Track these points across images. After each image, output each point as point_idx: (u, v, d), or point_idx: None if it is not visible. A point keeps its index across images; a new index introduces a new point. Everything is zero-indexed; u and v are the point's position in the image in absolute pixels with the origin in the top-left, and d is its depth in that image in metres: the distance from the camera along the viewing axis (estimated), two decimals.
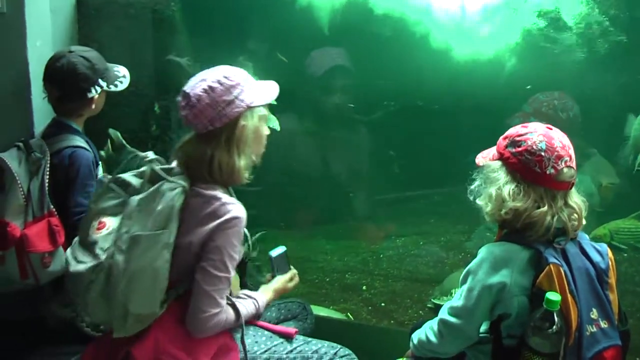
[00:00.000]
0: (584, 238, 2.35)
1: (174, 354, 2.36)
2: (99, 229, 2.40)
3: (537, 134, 2.24)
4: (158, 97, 4.52)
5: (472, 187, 2.41)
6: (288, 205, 5.81)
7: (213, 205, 2.37)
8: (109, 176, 2.54)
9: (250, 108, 2.47)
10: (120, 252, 2.28)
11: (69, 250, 2.46)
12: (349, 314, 4.47)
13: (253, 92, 2.50)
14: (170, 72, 4.68)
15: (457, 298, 2.36)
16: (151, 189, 2.38)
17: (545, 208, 2.20)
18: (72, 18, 4.13)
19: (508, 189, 2.23)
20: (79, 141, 3.13)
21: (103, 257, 2.31)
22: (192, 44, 4.93)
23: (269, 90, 2.59)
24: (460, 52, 5.97)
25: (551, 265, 2.12)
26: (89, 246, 2.38)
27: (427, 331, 2.50)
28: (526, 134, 2.26)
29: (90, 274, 2.30)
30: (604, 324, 2.17)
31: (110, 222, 2.40)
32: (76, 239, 2.49)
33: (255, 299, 2.66)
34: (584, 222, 2.30)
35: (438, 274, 5.15)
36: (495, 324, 2.31)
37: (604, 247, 2.33)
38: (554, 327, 2.03)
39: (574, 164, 2.25)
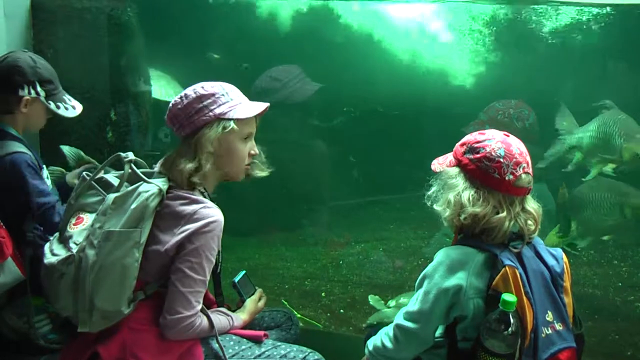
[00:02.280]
0: (539, 242, 2.37)
1: (138, 356, 2.37)
2: (76, 224, 2.45)
3: (495, 140, 2.26)
4: (114, 103, 4.47)
5: (430, 192, 2.41)
6: (247, 213, 5.80)
7: (193, 207, 2.40)
8: (90, 174, 2.56)
9: (218, 119, 2.49)
10: (92, 247, 2.31)
11: (47, 244, 2.49)
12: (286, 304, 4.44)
13: (227, 105, 2.53)
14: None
15: (413, 302, 2.36)
16: (128, 188, 2.41)
17: (504, 214, 2.22)
18: (27, 23, 4.06)
19: (467, 194, 2.24)
20: (17, 147, 3.00)
21: (75, 250, 2.34)
22: (149, 50, 4.90)
23: (248, 109, 2.58)
24: (419, 59, 6.05)
25: (507, 268, 2.13)
26: (65, 240, 2.43)
27: (382, 337, 2.50)
28: (484, 140, 2.28)
29: (61, 266, 2.34)
30: (559, 327, 2.19)
31: (88, 219, 2.45)
32: (56, 234, 2.53)
33: (231, 317, 2.68)
34: (539, 226, 2.33)
35: (397, 279, 5.19)
36: (451, 327, 2.32)
37: (559, 251, 2.36)
38: (510, 328, 2.04)
39: (531, 170, 2.28)
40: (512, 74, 5.85)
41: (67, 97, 3.20)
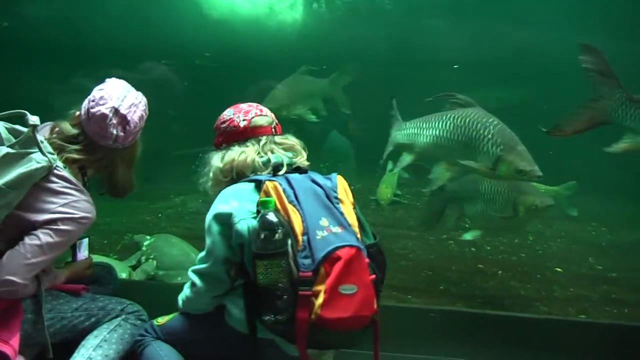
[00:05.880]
0: (315, 174, 2.57)
1: None
2: None
3: (227, 110, 2.67)
4: None
5: (201, 180, 2.69)
6: None
7: (78, 195, 2.47)
8: None
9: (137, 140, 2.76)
10: None
11: None
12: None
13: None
14: None
15: (203, 249, 2.52)
16: (24, 150, 2.38)
17: (248, 151, 2.55)
18: None
19: (216, 157, 2.60)
20: None
21: None
22: None
23: None
24: (240, 10, 6.09)
25: (266, 183, 2.37)
26: None
27: (185, 290, 2.65)
28: (223, 117, 2.65)
29: None
30: (336, 229, 2.30)
31: None
32: None
33: (54, 274, 2.63)
34: (304, 153, 2.69)
35: None
36: (241, 265, 2.41)
37: (333, 175, 2.56)
38: (274, 229, 2.18)
39: (268, 114, 2.68)
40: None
41: None
